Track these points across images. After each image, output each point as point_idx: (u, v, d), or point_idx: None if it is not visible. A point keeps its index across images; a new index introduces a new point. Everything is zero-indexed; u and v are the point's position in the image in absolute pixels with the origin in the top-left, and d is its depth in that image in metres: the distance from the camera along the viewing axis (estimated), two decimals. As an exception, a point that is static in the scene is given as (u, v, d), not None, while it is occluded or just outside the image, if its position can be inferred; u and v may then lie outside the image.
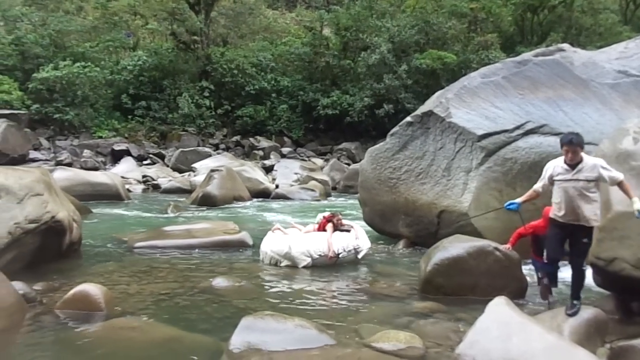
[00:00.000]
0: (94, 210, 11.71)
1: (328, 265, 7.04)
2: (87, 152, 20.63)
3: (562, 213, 4.48)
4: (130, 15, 29.11)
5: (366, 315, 5.08)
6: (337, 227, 7.44)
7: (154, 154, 22.37)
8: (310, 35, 28.56)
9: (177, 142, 24.11)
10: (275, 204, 14.41)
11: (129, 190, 15.59)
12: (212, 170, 14.66)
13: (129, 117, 24.78)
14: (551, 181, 4.59)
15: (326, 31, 28.97)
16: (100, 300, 4.87)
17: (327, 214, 7.77)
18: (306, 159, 23.52)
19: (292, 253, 6.99)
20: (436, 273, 5.67)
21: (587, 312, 4.31)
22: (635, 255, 4.56)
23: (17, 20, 25.52)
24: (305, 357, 3.89)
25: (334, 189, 17.92)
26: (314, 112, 26.07)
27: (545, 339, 3.56)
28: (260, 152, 23.91)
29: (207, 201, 13.54)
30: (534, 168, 6.96)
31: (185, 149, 21.55)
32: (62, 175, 13.15)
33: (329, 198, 16.27)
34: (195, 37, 26.99)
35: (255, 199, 15.22)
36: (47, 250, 6.69)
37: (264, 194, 15.90)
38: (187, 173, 19.12)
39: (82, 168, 17.56)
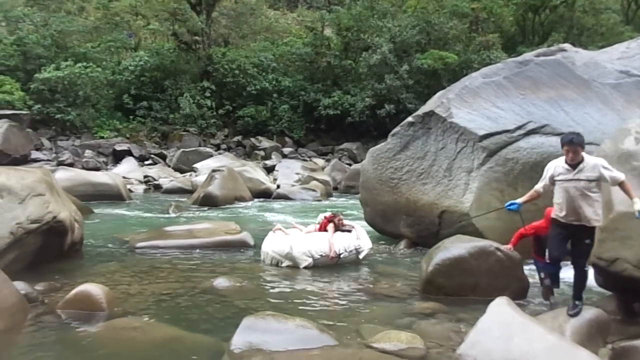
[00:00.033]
0: (95, 211, 11.73)
1: (329, 266, 7.04)
2: (88, 153, 20.66)
3: (563, 213, 4.47)
4: (131, 16, 29.14)
5: (367, 315, 5.08)
6: (339, 228, 7.44)
7: (155, 154, 22.39)
8: (312, 35, 28.56)
9: (179, 142, 24.13)
10: (276, 204, 14.42)
11: (130, 191, 15.61)
12: (214, 171, 14.67)
13: (131, 117, 24.80)
14: (552, 181, 4.59)
15: (327, 31, 28.97)
16: (101, 300, 4.89)
17: (328, 214, 7.77)
18: (307, 159, 23.52)
19: (293, 253, 6.99)
20: (437, 273, 5.67)
21: (588, 313, 4.30)
22: (637, 256, 4.55)
23: (19, 21, 25.58)
24: (306, 357, 3.89)
25: (335, 189, 17.92)
26: (315, 113, 26.06)
27: (547, 340, 3.56)
28: (262, 153, 23.91)
29: (209, 201, 13.56)
30: (536, 168, 6.95)
31: (186, 149, 21.57)
32: (64, 175, 13.18)
33: (330, 198, 16.27)
34: (197, 38, 27.01)
35: (256, 199, 15.23)
36: (48, 250, 6.70)
37: (265, 194, 15.91)
38: (188, 173, 19.14)
39: (83, 168, 17.58)
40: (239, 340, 3.99)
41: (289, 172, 18.98)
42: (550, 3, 29.23)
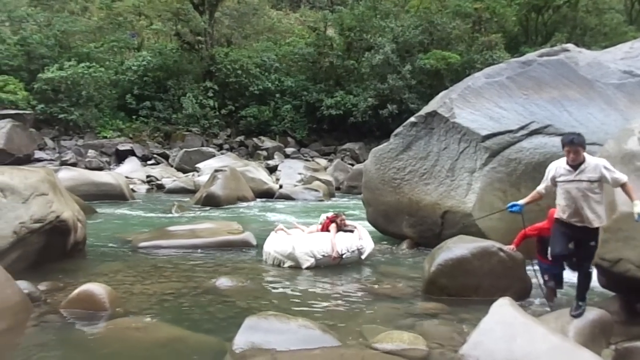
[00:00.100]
0: (98, 210, 11.75)
1: (331, 266, 7.04)
2: (91, 152, 20.72)
3: (566, 215, 4.44)
4: (134, 16, 29.17)
5: (370, 315, 5.08)
6: (341, 228, 7.45)
7: (158, 154, 22.43)
8: (314, 35, 28.56)
9: (181, 142, 24.17)
10: (278, 204, 14.42)
11: (133, 190, 15.63)
12: (216, 171, 14.69)
13: (134, 117, 24.85)
14: (554, 182, 4.55)
15: (330, 31, 28.96)
16: (104, 299, 4.90)
17: (330, 214, 7.77)
18: (310, 159, 23.51)
19: (295, 253, 6.99)
20: (440, 274, 5.66)
21: (591, 313, 4.29)
22: (641, 256, 4.54)
23: (22, 21, 25.66)
24: (308, 357, 3.89)
25: (338, 189, 17.92)
26: (318, 113, 26.06)
27: (550, 340, 3.55)
28: (264, 153, 23.92)
29: (211, 201, 13.57)
30: (538, 168, 6.93)
31: (189, 149, 21.61)
32: (67, 175, 13.21)
33: (332, 198, 16.28)
34: (200, 38, 27.04)
35: (259, 199, 15.25)
36: (51, 249, 6.72)
37: (267, 194, 15.93)
38: (191, 173, 19.18)
39: (86, 168, 17.61)
40: (242, 340, 3.99)
41: (291, 172, 18.98)
42: (553, 3, 29.15)
